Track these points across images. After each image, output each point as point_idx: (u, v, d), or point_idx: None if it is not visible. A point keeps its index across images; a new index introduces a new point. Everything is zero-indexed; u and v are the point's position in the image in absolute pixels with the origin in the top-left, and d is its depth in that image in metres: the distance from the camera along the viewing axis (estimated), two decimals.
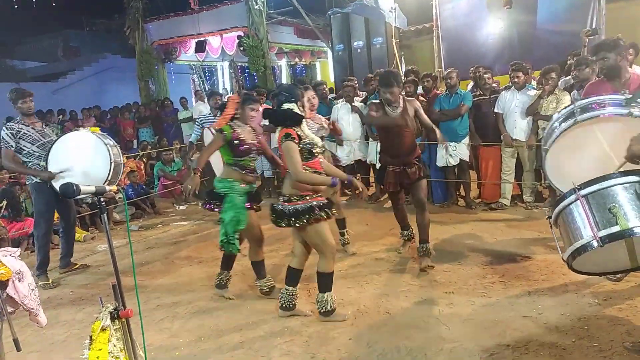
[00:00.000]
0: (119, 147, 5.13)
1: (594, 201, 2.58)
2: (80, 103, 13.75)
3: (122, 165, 5.17)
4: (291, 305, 3.82)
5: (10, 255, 2.64)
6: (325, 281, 3.71)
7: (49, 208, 5.18)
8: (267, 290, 4.25)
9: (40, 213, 5.19)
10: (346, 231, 5.24)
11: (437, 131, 4.82)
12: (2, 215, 6.39)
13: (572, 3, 9.00)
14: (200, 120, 6.98)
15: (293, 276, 3.84)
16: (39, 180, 5.01)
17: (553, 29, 9.01)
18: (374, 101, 4.88)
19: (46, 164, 4.94)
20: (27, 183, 5.43)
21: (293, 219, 3.53)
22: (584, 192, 2.61)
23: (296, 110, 3.62)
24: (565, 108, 3.17)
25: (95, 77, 18.40)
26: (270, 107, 8.75)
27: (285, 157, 3.54)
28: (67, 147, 4.93)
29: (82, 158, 4.87)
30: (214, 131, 4.44)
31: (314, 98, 4.79)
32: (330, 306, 3.70)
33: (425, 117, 4.73)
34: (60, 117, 11.97)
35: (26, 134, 4.99)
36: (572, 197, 2.67)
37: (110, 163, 4.82)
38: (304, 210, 3.52)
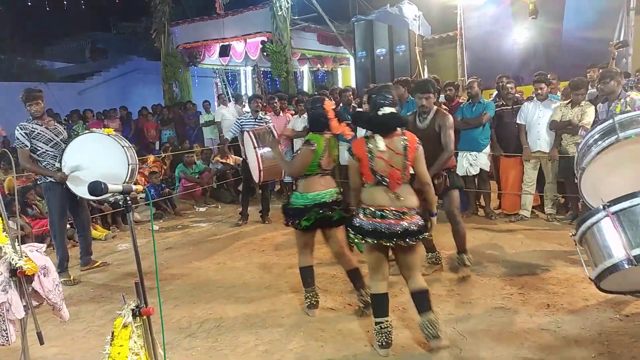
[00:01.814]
0: (133, 149, 5.19)
1: (625, 218, 2.48)
2: (105, 104, 14.01)
3: (137, 166, 5.22)
4: (390, 341, 3.27)
5: (36, 250, 2.72)
6: (429, 298, 3.31)
7: (62, 207, 5.21)
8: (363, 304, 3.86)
9: (54, 212, 5.22)
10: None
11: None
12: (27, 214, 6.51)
13: (600, 12, 8.82)
14: (240, 122, 6.88)
15: (384, 304, 3.33)
16: (53, 180, 5.05)
17: (580, 38, 8.83)
18: (408, 114, 4.78)
19: (60, 165, 5.00)
20: (39, 182, 5.41)
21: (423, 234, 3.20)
22: (614, 208, 2.52)
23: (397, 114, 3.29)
24: (602, 123, 2.99)
25: (121, 78, 18.75)
26: (294, 112, 8.78)
27: (420, 163, 3.25)
28: (83, 149, 4.99)
29: (99, 160, 4.93)
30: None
31: None
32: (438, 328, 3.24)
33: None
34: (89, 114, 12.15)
35: (40, 134, 5.01)
36: (601, 214, 2.56)
37: (128, 165, 4.89)
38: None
